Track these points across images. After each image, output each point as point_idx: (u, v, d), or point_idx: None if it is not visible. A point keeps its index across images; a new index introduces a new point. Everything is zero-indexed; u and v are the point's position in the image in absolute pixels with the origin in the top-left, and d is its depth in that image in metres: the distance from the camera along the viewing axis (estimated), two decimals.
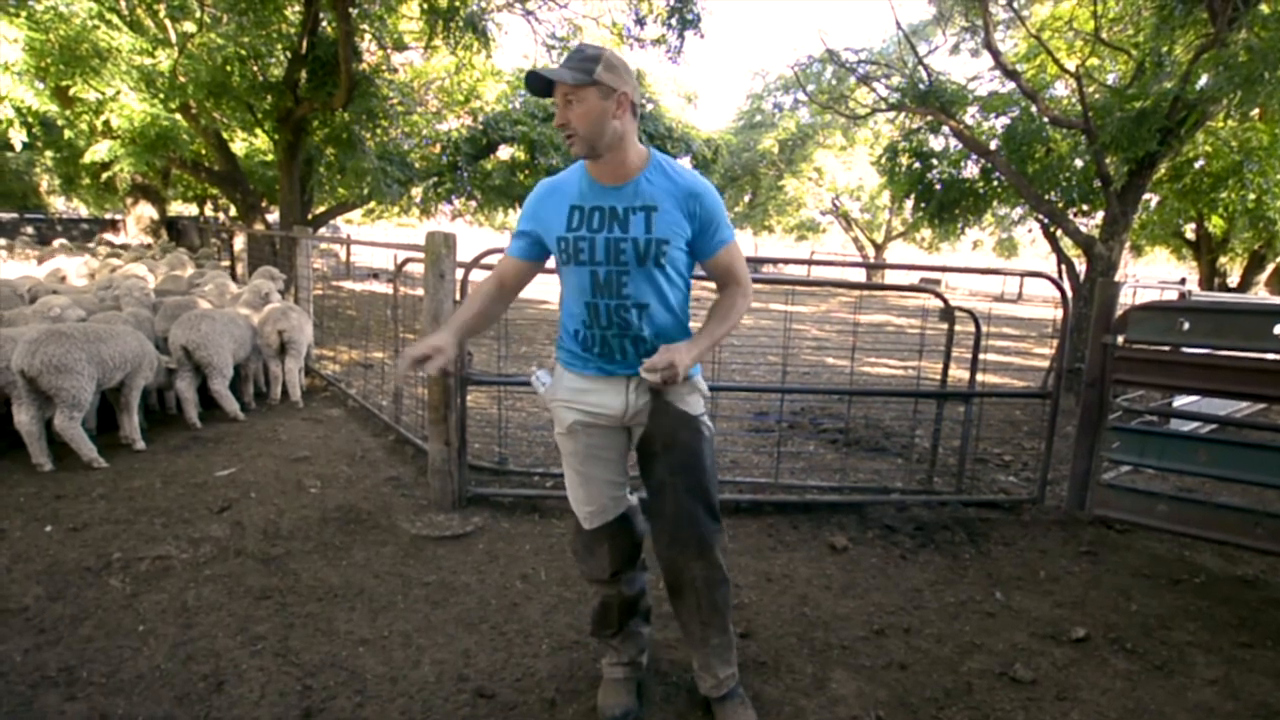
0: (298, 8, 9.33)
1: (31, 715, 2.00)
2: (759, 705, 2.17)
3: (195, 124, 9.83)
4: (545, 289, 7.82)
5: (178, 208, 20.56)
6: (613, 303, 1.85)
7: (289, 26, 9.59)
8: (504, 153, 13.40)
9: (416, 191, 13.47)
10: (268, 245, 10.16)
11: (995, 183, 8.34)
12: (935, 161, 8.84)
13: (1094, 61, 8.08)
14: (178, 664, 2.25)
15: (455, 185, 13.32)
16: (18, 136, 8.65)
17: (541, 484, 3.95)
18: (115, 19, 8.67)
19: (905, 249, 31.46)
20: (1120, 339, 3.55)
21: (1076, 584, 3.06)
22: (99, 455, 3.84)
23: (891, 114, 9.37)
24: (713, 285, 2.00)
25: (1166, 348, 3.62)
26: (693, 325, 1.99)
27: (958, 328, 4.23)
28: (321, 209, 13.34)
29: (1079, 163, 7.46)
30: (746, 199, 27.46)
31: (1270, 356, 3.19)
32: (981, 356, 4.08)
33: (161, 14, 9.12)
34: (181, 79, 8.69)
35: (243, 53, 8.96)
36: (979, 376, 4.14)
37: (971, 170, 8.80)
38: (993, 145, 7.83)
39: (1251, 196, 7.64)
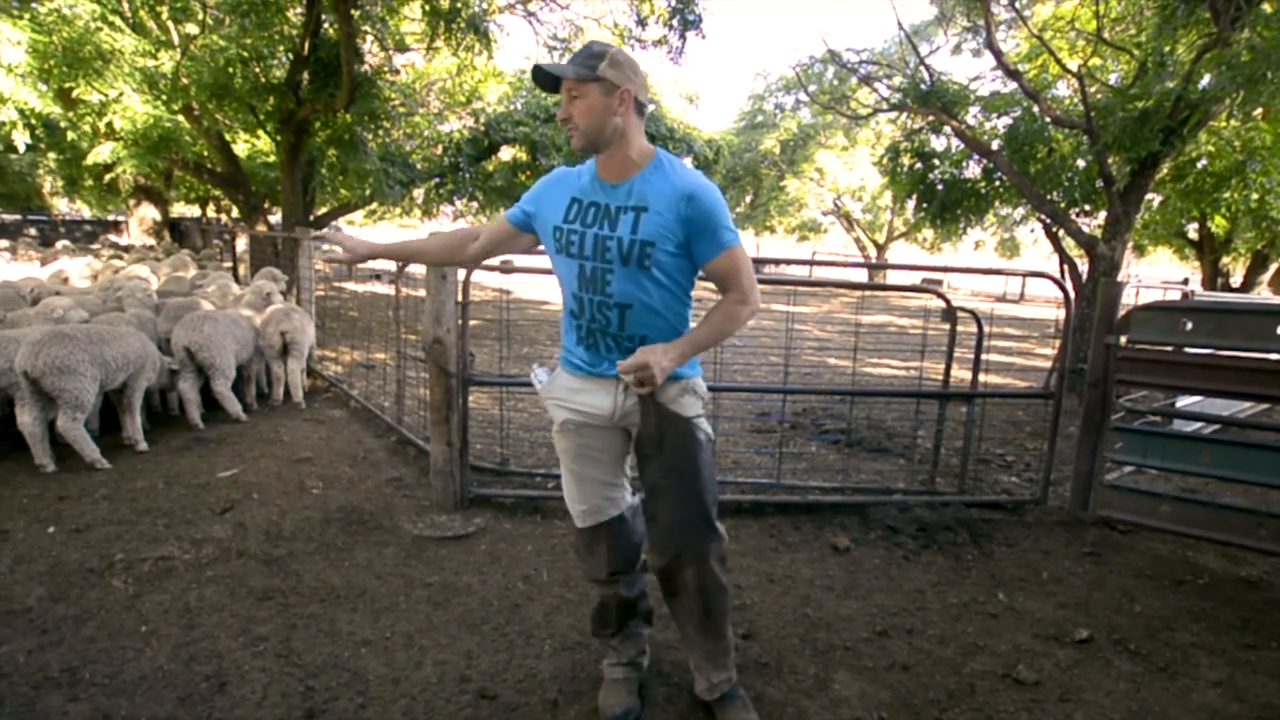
0: (300, 10, 9.35)
1: (35, 716, 2.00)
2: (761, 706, 2.17)
3: (198, 125, 9.86)
4: (546, 289, 7.82)
5: (180, 209, 20.59)
6: (596, 299, 1.84)
7: (291, 28, 9.62)
8: (506, 154, 13.42)
9: (418, 192, 13.50)
10: (270, 246, 10.18)
11: (997, 183, 8.33)
12: (937, 162, 8.84)
13: (1096, 61, 8.07)
14: (180, 665, 2.26)
15: (457, 186, 13.35)
16: (21, 138, 8.69)
17: (543, 485, 3.95)
18: (118, 21, 8.70)
19: (907, 249, 31.44)
20: (1123, 339, 3.54)
21: (1080, 585, 3.05)
22: (102, 456, 3.84)
23: (893, 114, 9.36)
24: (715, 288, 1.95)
25: (1169, 348, 3.61)
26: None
27: (960, 328, 4.23)
28: (323, 210, 13.36)
29: (1081, 163, 7.45)
30: (748, 199, 27.46)
31: (1273, 357, 3.18)
32: (984, 357, 4.07)
33: (164, 16, 9.15)
34: (184, 81, 8.71)
35: (245, 54, 8.98)
36: (981, 377, 4.14)
37: (973, 170, 8.79)
38: (995, 145, 7.82)
39: (1254, 196, 7.62)
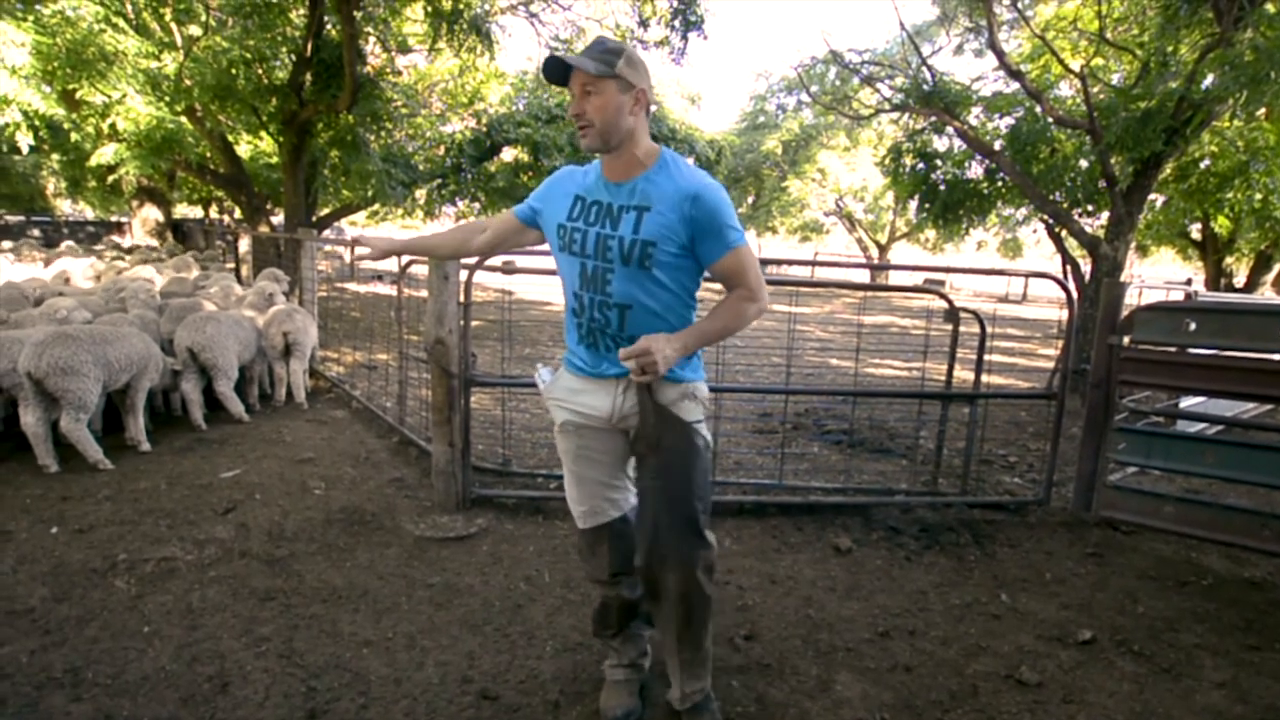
0: (302, 11, 9.37)
1: (37, 716, 2.01)
2: (763, 707, 2.17)
3: (201, 127, 9.88)
4: (548, 290, 7.82)
5: (183, 210, 20.64)
6: (596, 298, 1.83)
7: (294, 30, 9.64)
8: (508, 155, 13.42)
9: (420, 193, 13.50)
10: (273, 247, 10.20)
11: (1000, 183, 8.31)
12: (939, 162, 8.82)
13: (1099, 61, 8.06)
14: (183, 665, 2.26)
15: (459, 187, 13.35)
16: (24, 140, 8.71)
17: (545, 485, 3.94)
18: (121, 23, 8.73)
19: (909, 250, 31.42)
20: (1126, 340, 3.54)
21: (1082, 586, 3.05)
22: (105, 457, 3.85)
23: (895, 115, 9.36)
24: (719, 288, 1.93)
25: (1172, 348, 3.60)
26: None
27: (962, 329, 4.22)
28: (326, 211, 13.38)
29: (1084, 163, 7.43)
30: (750, 200, 27.46)
31: (1277, 357, 3.18)
32: (986, 357, 4.07)
33: (167, 17, 9.18)
34: (187, 82, 8.73)
35: (248, 56, 8.99)
36: (984, 377, 4.13)
37: (976, 171, 8.78)
38: (997, 146, 7.81)
39: (1258, 196, 7.60)
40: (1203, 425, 5.04)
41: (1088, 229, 7.46)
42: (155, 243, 15.09)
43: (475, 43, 9.38)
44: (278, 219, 12.86)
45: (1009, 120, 8.10)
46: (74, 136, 10.32)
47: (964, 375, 4.38)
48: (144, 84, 8.58)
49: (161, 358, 4.38)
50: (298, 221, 10.26)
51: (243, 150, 12.95)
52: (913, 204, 10.08)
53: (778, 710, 2.17)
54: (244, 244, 11.26)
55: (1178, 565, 3.27)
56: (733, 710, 2.14)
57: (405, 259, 5.16)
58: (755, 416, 5.76)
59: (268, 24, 9.16)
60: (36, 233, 17.65)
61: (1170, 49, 6.52)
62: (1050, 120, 7.15)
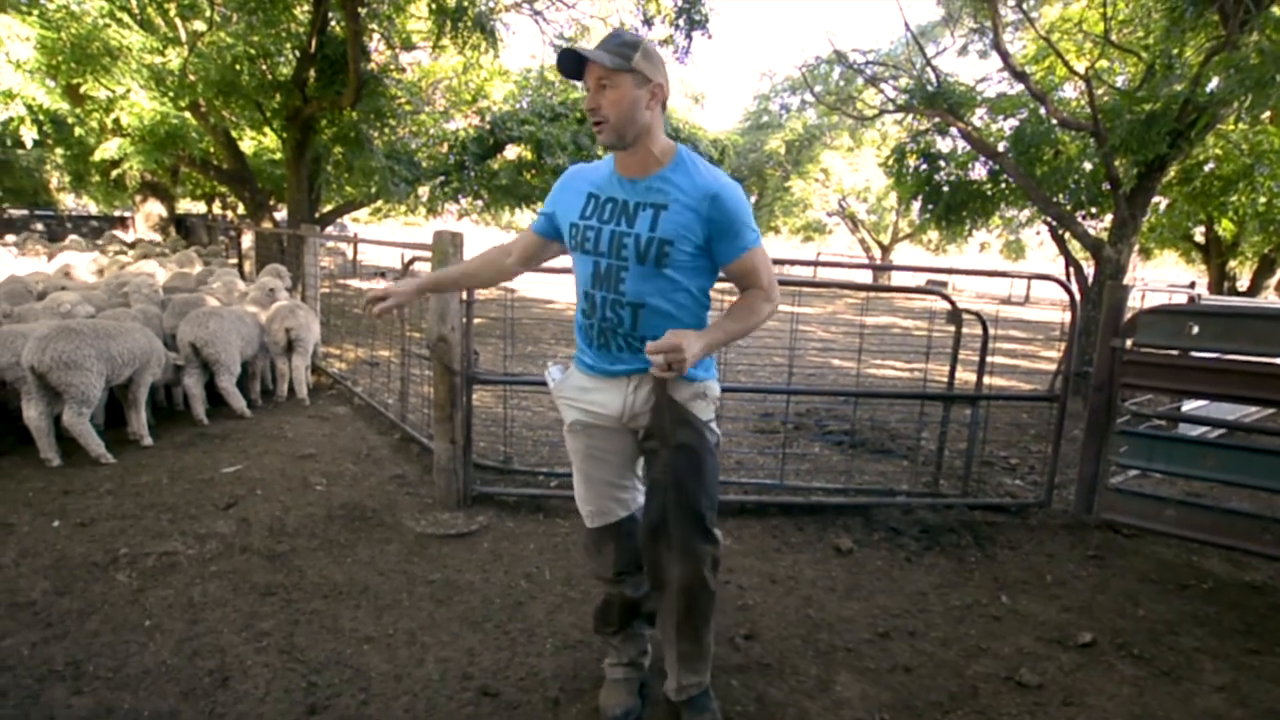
0: (307, 7, 9.38)
1: (39, 708, 2.01)
2: (763, 707, 2.17)
3: (204, 122, 9.89)
4: (551, 288, 7.82)
5: (186, 205, 20.65)
6: (609, 296, 1.81)
7: (298, 26, 9.64)
8: (511, 152, 13.42)
9: (423, 190, 13.51)
10: (275, 243, 10.20)
11: (1003, 185, 8.31)
12: (943, 163, 8.82)
13: (1104, 64, 8.05)
14: (183, 659, 2.26)
15: (462, 184, 13.35)
16: (29, 134, 8.71)
17: (546, 483, 3.95)
18: (126, 17, 8.72)
19: (912, 251, 31.39)
20: (1129, 342, 3.53)
21: (1083, 588, 3.04)
22: (107, 451, 3.86)
23: (899, 115, 9.35)
24: (731, 288, 1.92)
25: (1175, 352, 3.60)
26: None
27: (965, 330, 4.22)
28: (329, 207, 13.38)
29: (1088, 165, 7.43)
30: (753, 200, 27.44)
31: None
32: (989, 359, 4.07)
33: (172, 13, 9.17)
34: (191, 77, 8.74)
35: (252, 51, 9.00)
36: (986, 379, 4.13)
37: (979, 172, 8.78)
38: (1001, 147, 7.81)
39: (1262, 200, 7.60)
40: (1204, 429, 5.03)
41: (1091, 231, 7.45)
42: (158, 238, 15.11)
43: (479, 40, 9.37)
44: (281, 215, 12.87)
45: (1013, 122, 8.11)
46: (78, 131, 10.32)
47: (966, 377, 4.38)
48: (148, 79, 8.58)
49: (164, 352, 4.38)
50: (301, 218, 10.27)
51: (246, 146, 12.94)
52: (916, 205, 10.08)
53: (777, 710, 2.17)
54: (247, 240, 11.27)
55: (1178, 568, 3.27)
56: (732, 709, 2.15)
57: (409, 256, 5.16)
58: (757, 416, 5.75)
59: (272, 20, 9.16)
60: (40, 227, 17.67)
61: (1175, 51, 6.51)
62: (1054, 122, 7.14)
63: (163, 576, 2.75)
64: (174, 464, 3.91)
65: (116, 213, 20.91)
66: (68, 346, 3.64)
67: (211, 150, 11.28)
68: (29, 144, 9.41)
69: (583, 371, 1.94)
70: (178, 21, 9.24)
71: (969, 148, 8.15)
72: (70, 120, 9.89)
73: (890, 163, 9.45)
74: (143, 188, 15.39)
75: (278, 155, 13.31)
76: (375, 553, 3.05)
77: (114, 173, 12.30)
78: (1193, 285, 8.89)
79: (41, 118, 8.86)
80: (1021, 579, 3.11)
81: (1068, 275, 7.20)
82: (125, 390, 4.17)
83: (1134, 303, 4.71)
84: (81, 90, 8.63)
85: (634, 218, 1.77)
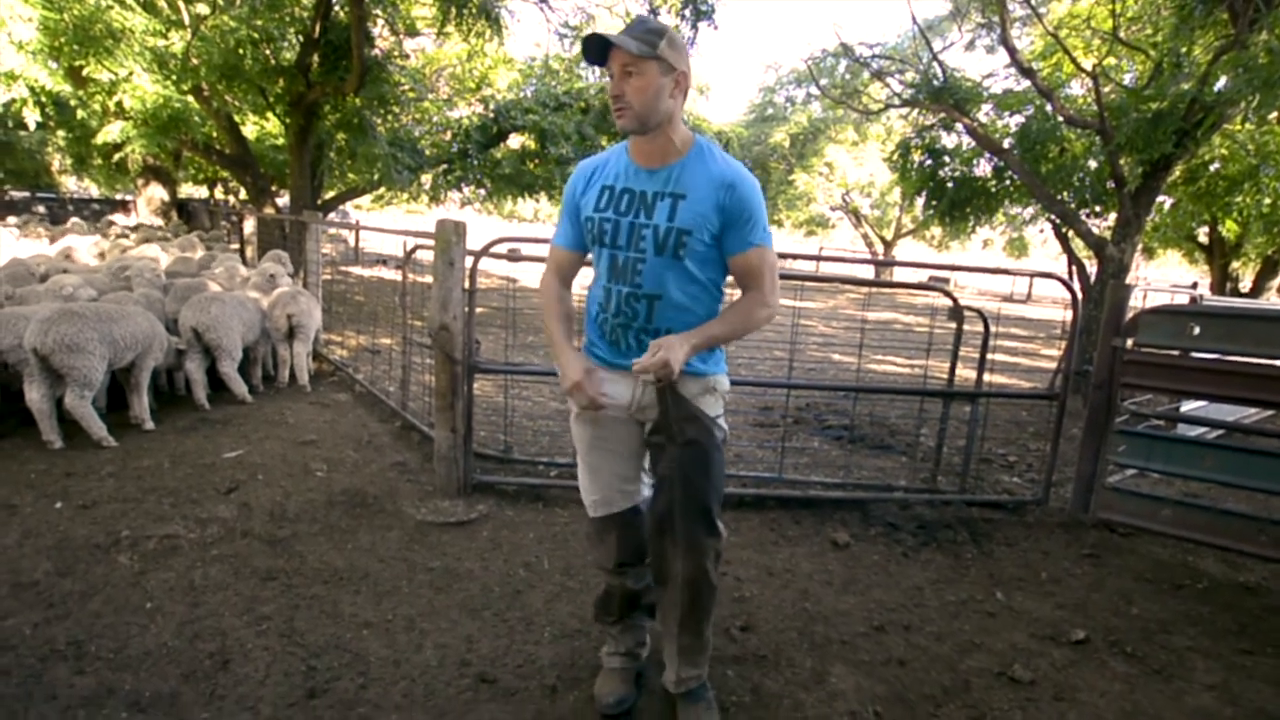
0: None
1: (41, 688, 2.03)
2: (758, 697, 2.19)
3: (207, 106, 9.85)
4: None
5: (188, 190, 20.61)
6: (625, 290, 1.80)
7: (302, 10, 9.59)
8: (514, 141, 13.36)
9: (426, 179, 13.46)
10: (278, 229, 10.19)
11: (1008, 181, 8.29)
12: (947, 159, 8.80)
13: (1111, 61, 8.00)
14: (184, 641, 2.28)
15: (465, 173, 13.31)
16: (31, 116, 8.68)
17: (545, 473, 3.96)
18: None
19: (915, 246, 31.32)
20: (1130, 342, 3.54)
21: (1078, 586, 3.06)
22: (109, 434, 3.87)
23: (905, 110, 9.32)
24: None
25: (1176, 352, 3.60)
26: None
27: (966, 327, 4.22)
28: (331, 194, 13.35)
29: (1093, 163, 7.42)
30: None
31: None
32: (989, 356, 4.07)
33: None
34: (194, 61, 8.70)
35: (255, 36, 8.95)
36: (986, 376, 4.13)
37: (984, 168, 8.75)
38: (1006, 144, 7.78)
39: (1267, 201, 7.59)
40: (1203, 429, 5.04)
41: (1095, 230, 7.44)
42: (160, 222, 15.09)
43: (484, 27, 9.33)
44: (283, 200, 12.85)
45: (1019, 118, 8.07)
46: (80, 114, 10.29)
47: (966, 374, 4.39)
48: (151, 62, 8.54)
49: (166, 337, 4.39)
50: (303, 204, 10.25)
51: (249, 131, 12.90)
52: (919, 200, 10.06)
53: (772, 701, 2.19)
54: (249, 225, 11.25)
55: (1173, 568, 3.28)
56: (728, 699, 2.17)
57: (411, 244, 5.16)
58: (756, 410, 5.77)
59: (276, 4, 9.11)
60: (42, 209, 17.64)
61: (1184, 50, 6.48)
62: (1060, 119, 7.12)
63: (164, 559, 2.77)
64: (175, 448, 3.92)
65: (118, 196, 20.87)
66: (70, 329, 3.65)
67: (214, 135, 11.24)
68: (31, 126, 9.39)
69: (592, 361, 1.94)
70: (180, 4, 9.19)
71: (974, 144, 8.12)
72: (72, 103, 9.86)
73: (895, 158, 9.43)
74: (145, 171, 15.35)
75: (280, 141, 13.26)
76: (375, 539, 3.06)
77: (116, 156, 12.25)
78: (1195, 286, 8.88)
79: (44, 100, 8.83)
80: (1017, 576, 3.13)
81: (1070, 274, 7.20)
82: (127, 374, 4.18)
83: (1136, 302, 4.71)
84: (84, 72, 8.59)
85: (652, 209, 1.76)
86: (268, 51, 9.61)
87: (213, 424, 4.39)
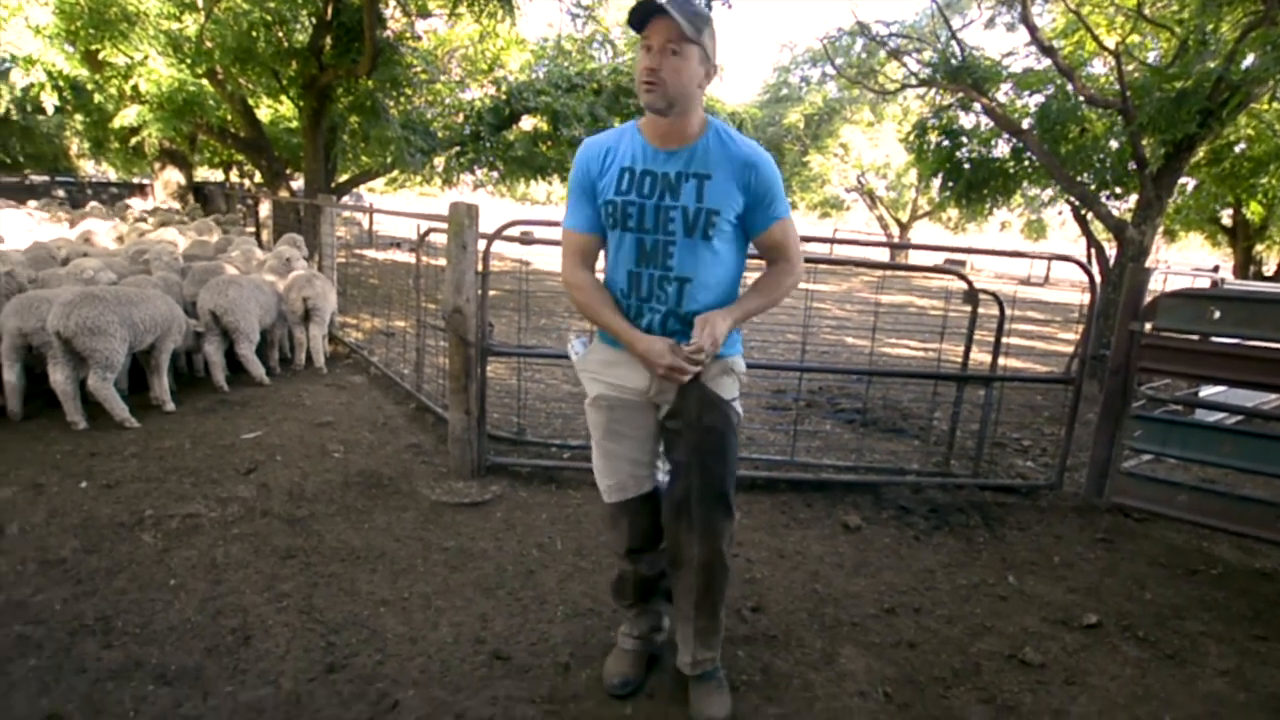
0: None
1: (71, 660, 2.10)
2: (768, 677, 2.21)
3: (222, 90, 9.88)
4: None
5: (204, 173, 20.74)
6: (656, 273, 1.79)
7: None
8: (526, 123, 13.31)
9: (439, 161, 13.45)
10: (293, 212, 10.24)
11: (1026, 163, 8.17)
12: (965, 140, 8.68)
13: (1135, 39, 7.83)
14: (207, 617, 2.34)
15: (478, 155, 13.28)
16: (49, 100, 8.76)
17: (559, 455, 4.00)
18: None
19: (931, 229, 30.96)
20: (1148, 326, 3.49)
21: (1091, 571, 3.06)
22: (131, 415, 3.94)
23: (922, 90, 9.17)
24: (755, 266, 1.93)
25: (1195, 336, 3.55)
26: None
27: (981, 310, 4.19)
28: (345, 177, 13.39)
29: (1114, 144, 7.28)
30: None
31: None
32: (1004, 340, 4.04)
33: None
34: (208, 44, 8.72)
35: (268, 18, 8.95)
36: (1001, 360, 4.11)
37: (1002, 149, 8.62)
38: (1025, 124, 7.66)
39: None
40: (1221, 415, 4.99)
41: (1115, 212, 7.33)
42: (177, 205, 15.21)
43: (495, 8, 9.26)
44: (297, 184, 12.90)
45: (1039, 98, 7.93)
46: (97, 98, 10.36)
47: (981, 357, 4.36)
48: (165, 45, 8.57)
49: (185, 319, 4.45)
50: (317, 187, 10.29)
51: (263, 114, 12.93)
52: (936, 182, 9.94)
53: (782, 680, 2.21)
54: (264, 208, 11.32)
55: (1188, 554, 3.27)
56: (738, 679, 2.19)
57: (425, 227, 5.18)
58: (769, 393, 5.77)
59: None
60: (61, 193, 17.82)
61: (1210, 27, 6.32)
62: (1081, 99, 6.98)
63: (186, 538, 2.83)
64: (195, 429, 3.99)
65: (136, 180, 21.04)
66: (92, 313, 3.70)
67: (229, 118, 11.28)
68: (50, 110, 9.47)
69: (608, 345, 1.93)
70: None
71: (992, 124, 7.99)
72: (89, 87, 9.93)
73: (911, 138, 9.30)
74: (161, 155, 15.46)
75: (294, 124, 13.29)
76: (391, 519, 3.11)
77: (133, 140, 12.35)
78: (1216, 269, 8.73)
79: (61, 84, 8.90)
80: (1029, 560, 3.13)
81: (1089, 256, 7.10)
82: (147, 356, 4.25)
83: (1155, 286, 4.65)
84: (100, 56, 8.64)
85: (677, 190, 1.75)
86: (280, 34, 9.61)
87: (231, 405, 4.46)
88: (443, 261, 3.57)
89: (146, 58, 8.57)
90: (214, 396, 4.60)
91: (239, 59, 9.21)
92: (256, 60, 9.45)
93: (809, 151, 25.42)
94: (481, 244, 3.56)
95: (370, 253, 14.88)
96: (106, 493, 3.14)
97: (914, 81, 8.61)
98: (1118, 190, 7.72)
